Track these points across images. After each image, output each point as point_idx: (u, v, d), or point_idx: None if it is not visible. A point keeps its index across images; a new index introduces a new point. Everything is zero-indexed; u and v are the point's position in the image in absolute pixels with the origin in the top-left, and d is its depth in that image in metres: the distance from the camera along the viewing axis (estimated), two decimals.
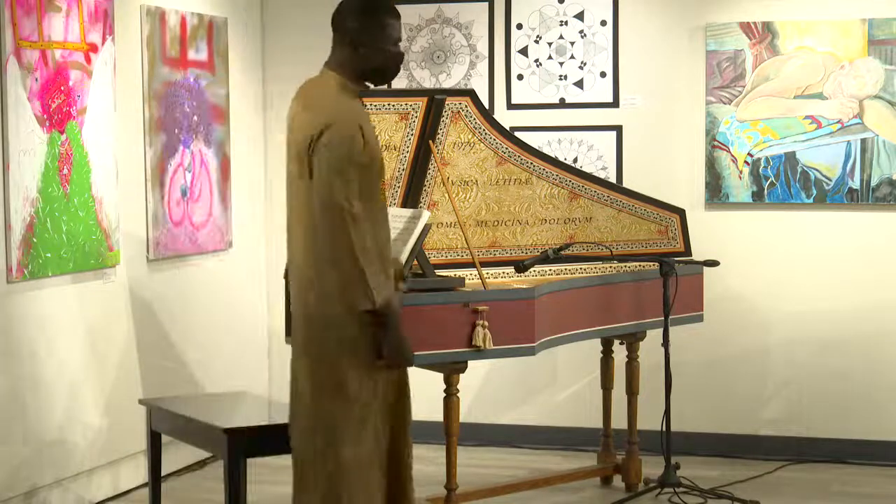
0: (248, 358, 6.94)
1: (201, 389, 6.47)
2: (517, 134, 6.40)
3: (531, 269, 5.56)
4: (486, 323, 4.96)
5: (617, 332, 5.71)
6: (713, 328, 6.47)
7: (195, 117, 6.44)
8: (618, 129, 6.71)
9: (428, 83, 6.91)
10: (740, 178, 6.52)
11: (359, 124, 4.16)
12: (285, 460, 4.66)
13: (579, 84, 6.75)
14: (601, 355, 6.07)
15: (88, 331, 5.74)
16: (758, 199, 6.52)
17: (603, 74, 6.72)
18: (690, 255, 6.03)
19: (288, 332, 5.27)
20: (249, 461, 4.70)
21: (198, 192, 6.48)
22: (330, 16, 6.72)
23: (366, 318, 4.15)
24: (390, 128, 5.31)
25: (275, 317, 6.99)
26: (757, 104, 6.48)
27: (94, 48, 5.70)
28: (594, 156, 6.74)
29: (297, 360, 4.32)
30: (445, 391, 5.10)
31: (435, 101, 5.35)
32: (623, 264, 5.95)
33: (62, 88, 5.50)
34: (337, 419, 4.21)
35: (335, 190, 4.08)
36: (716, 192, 6.57)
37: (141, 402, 5.17)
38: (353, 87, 4.27)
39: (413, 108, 5.33)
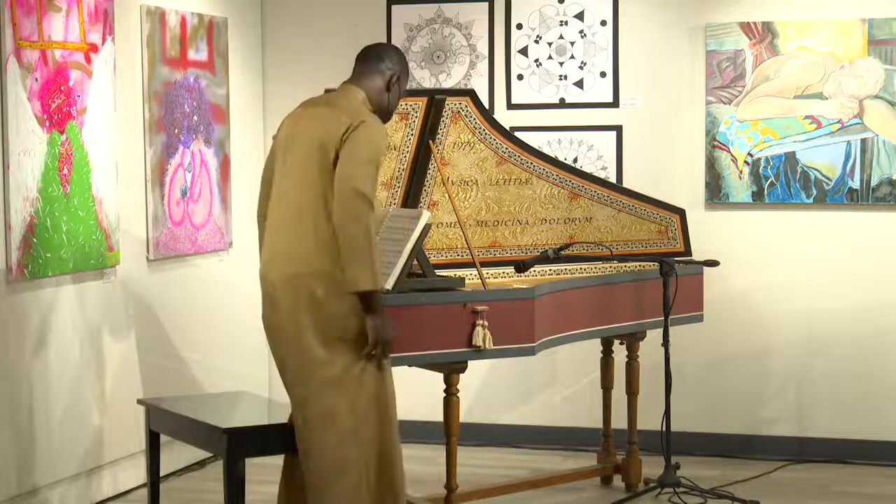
0: (248, 358, 6.93)
1: (201, 389, 6.47)
2: (517, 134, 6.40)
3: (531, 269, 5.56)
4: (486, 323, 4.95)
5: (617, 332, 5.71)
6: (713, 328, 6.47)
7: (195, 117, 6.44)
8: (618, 129, 6.71)
9: (428, 83, 6.91)
10: (740, 178, 6.52)
11: (386, 133, 4.68)
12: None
13: (579, 84, 6.75)
14: (601, 355, 6.07)
15: (88, 331, 5.74)
16: (758, 199, 6.52)
17: (603, 74, 6.72)
18: (690, 255, 6.03)
19: None
20: (249, 461, 4.70)
21: (198, 192, 6.48)
22: (329, 15, 6.80)
23: (352, 302, 4.50)
24: (390, 128, 5.31)
25: None
26: (757, 104, 6.48)
27: (94, 48, 5.70)
28: (594, 156, 6.74)
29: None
30: (445, 391, 5.10)
31: (435, 101, 5.35)
32: (623, 264, 5.95)
33: (62, 88, 5.50)
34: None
35: (367, 175, 4.45)
36: (716, 192, 6.57)
37: (140, 402, 5.17)
38: (370, 109, 4.70)
39: (413, 108, 5.33)
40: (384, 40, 6.94)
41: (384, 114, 4.76)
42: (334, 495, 4.54)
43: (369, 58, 4.77)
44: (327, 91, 5.01)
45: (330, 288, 4.51)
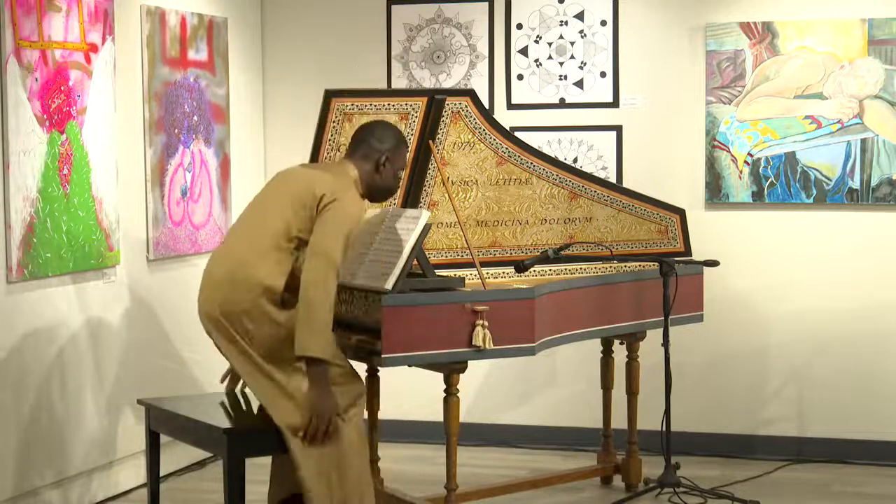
0: None
1: (201, 389, 6.46)
2: (517, 134, 6.40)
3: (531, 269, 5.56)
4: (486, 323, 4.95)
5: (617, 332, 5.71)
6: (713, 328, 6.47)
7: (195, 117, 6.44)
8: (618, 129, 6.71)
9: (428, 83, 6.90)
10: (740, 178, 6.52)
11: (364, 211, 4.81)
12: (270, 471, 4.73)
13: (579, 84, 6.75)
14: (601, 355, 6.07)
15: (88, 331, 5.74)
16: (758, 199, 6.52)
17: (603, 74, 6.72)
18: (690, 255, 6.03)
19: None
20: (249, 461, 4.70)
21: (198, 192, 6.48)
22: (329, 15, 6.77)
23: (280, 331, 4.63)
24: None
25: None
26: (757, 104, 6.48)
27: (94, 48, 5.70)
28: (594, 156, 6.74)
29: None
30: (445, 391, 5.10)
31: (435, 101, 5.35)
32: (623, 264, 5.95)
33: (62, 88, 5.50)
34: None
35: (338, 245, 4.54)
36: (716, 192, 6.57)
37: (140, 401, 5.17)
38: (361, 190, 4.83)
39: (413, 108, 5.33)
40: (384, 40, 6.95)
41: (380, 191, 4.88)
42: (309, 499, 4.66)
43: (360, 139, 4.87)
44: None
45: (258, 321, 4.63)
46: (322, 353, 4.52)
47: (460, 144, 5.53)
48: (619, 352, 6.01)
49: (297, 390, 4.62)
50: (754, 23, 6.46)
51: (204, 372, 6.52)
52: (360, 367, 5.34)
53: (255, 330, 4.63)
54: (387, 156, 4.83)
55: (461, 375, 5.10)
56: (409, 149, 5.01)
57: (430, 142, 5.41)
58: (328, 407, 4.56)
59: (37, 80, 5.35)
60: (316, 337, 4.50)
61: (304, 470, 4.61)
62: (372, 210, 5.31)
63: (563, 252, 5.56)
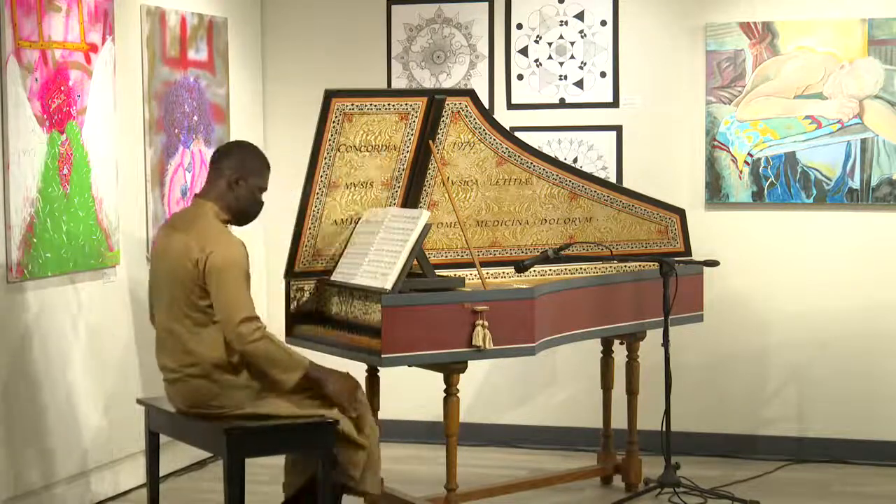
0: None
1: None
2: (517, 134, 6.39)
3: (531, 269, 5.55)
4: (486, 323, 4.95)
5: (617, 332, 5.71)
6: (713, 328, 6.46)
7: (195, 117, 6.44)
8: (618, 129, 6.71)
9: (428, 83, 6.90)
10: (740, 178, 6.52)
11: (242, 243, 4.67)
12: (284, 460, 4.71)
13: (579, 84, 6.75)
14: (601, 355, 6.07)
15: (88, 331, 5.74)
16: (758, 199, 6.52)
17: (603, 74, 6.72)
18: (690, 255, 6.03)
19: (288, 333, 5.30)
20: (249, 461, 4.70)
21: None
22: (329, 15, 6.78)
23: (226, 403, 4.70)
24: (390, 128, 5.31)
25: (273, 317, 6.98)
26: (757, 104, 6.48)
27: (94, 48, 5.70)
28: (594, 156, 6.74)
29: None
30: (445, 391, 5.10)
31: (435, 101, 5.35)
32: (623, 264, 5.95)
33: (62, 88, 5.51)
34: None
35: (238, 296, 4.56)
36: (716, 192, 6.57)
37: (140, 401, 5.17)
38: (224, 217, 4.76)
39: (413, 108, 5.33)
40: (384, 40, 6.95)
41: (241, 213, 4.79)
42: None
43: (214, 161, 4.84)
44: (197, 197, 4.93)
45: (225, 395, 4.68)
46: (303, 370, 4.63)
47: (460, 144, 5.52)
48: (619, 352, 6.01)
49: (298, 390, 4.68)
50: (754, 23, 6.46)
51: None
52: (360, 367, 5.34)
53: (230, 401, 4.68)
54: (238, 175, 4.74)
55: (461, 375, 5.10)
56: (268, 168, 4.89)
57: (430, 142, 5.41)
58: (342, 383, 4.70)
59: (37, 80, 5.35)
60: (285, 371, 4.60)
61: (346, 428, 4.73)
62: (370, 210, 5.32)
63: (563, 252, 5.56)
